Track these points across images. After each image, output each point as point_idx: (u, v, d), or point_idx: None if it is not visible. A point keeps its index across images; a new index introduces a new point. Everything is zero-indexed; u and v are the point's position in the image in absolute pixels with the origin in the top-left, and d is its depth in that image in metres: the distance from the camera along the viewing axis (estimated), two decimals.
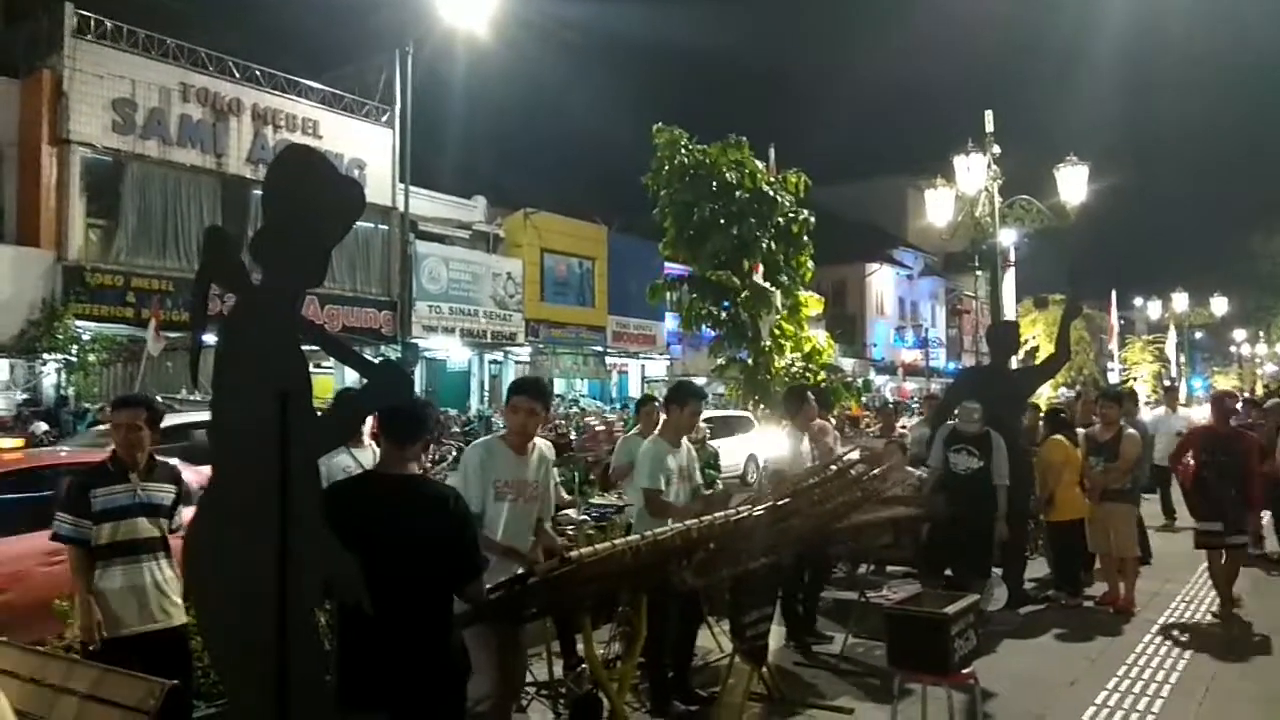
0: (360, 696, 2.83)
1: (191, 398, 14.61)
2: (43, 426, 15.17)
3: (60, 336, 17.07)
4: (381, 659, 2.81)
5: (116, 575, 4.03)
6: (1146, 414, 12.97)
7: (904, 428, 10.32)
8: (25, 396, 17.23)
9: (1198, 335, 48.98)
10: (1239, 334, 54.52)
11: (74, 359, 17.33)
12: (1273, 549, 9.77)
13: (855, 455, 6.49)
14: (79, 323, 17.44)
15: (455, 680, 3.14)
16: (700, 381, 14.36)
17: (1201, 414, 14.29)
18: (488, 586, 3.75)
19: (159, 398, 14.57)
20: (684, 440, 5.59)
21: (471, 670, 3.42)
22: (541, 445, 4.42)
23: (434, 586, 2.99)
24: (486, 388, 26.80)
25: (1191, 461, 7.82)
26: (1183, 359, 41.25)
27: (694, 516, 4.67)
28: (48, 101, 17.71)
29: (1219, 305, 39.11)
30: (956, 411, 7.51)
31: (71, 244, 17.93)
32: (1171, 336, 39.05)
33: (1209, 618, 7.34)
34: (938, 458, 7.30)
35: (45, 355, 17.15)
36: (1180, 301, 38.19)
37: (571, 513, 6.57)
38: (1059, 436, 8.09)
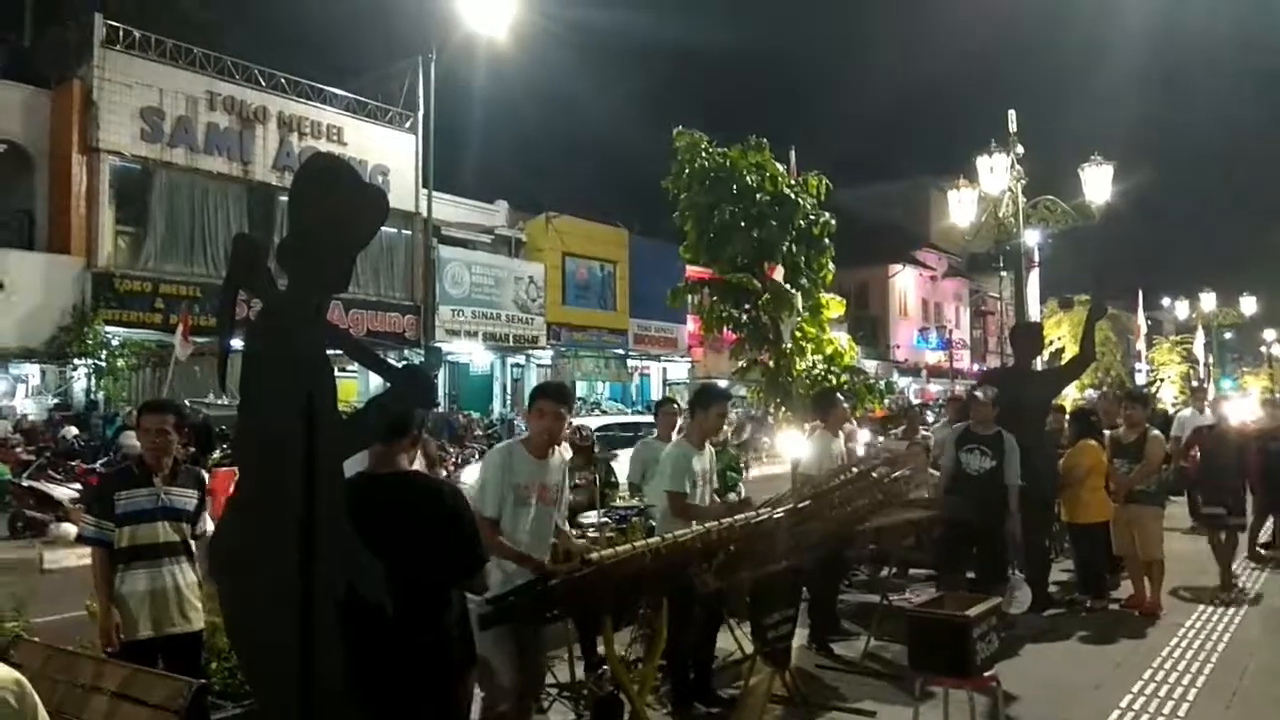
0: (360, 692, 2.85)
1: (219, 402, 14.82)
2: (73, 431, 15.42)
3: (90, 342, 17.32)
4: (379, 655, 2.82)
5: (138, 579, 4.06)
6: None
7: (912, 435, 10.23)
8: (56, 401, 17.50)
9: (1227, 335, 48.29)
10: (1269, 334, 53.67)
11: (103, 364, 17.59)
12: None
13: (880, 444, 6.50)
14: (108, 328, 17.70)
15: (453, 676, 3.16)
16: (722, 384, 14.34)
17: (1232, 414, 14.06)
18: (509, 590, 3.79)
19: (187, 402, 14.77)
20: (707, 444, 5.62)
21: (473, 666, 3.44)
22: (561, 452, 4.45)
23: (433, 582, 3.01)
24: (509, 391, 26.93)
25: (1197, 454, 8.97)
26: (1211, 359, 40.73)
27: (717, 520, 4.69)
28: (78, 111, 17.99)
29: (1248, 305, 38.58)
30: (975, 393, 7.52)
31: (101, 251, 18.20)
32: (1199, 337, 38.57)
33: (1236, 620, 7.27)
34: (949, 458, 7.27)
35: (75, 360, 17.41)
36: (1208, 301, 37.70)
37: (593, 515, 6.61)
38: (1091, 441, 8.02)
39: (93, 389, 17.76)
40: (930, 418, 13.83)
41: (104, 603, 4.03)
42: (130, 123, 18.58)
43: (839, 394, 8.27)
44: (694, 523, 4.76)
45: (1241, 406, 13.40)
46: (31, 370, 17.87)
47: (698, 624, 5.21)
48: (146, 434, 4.21)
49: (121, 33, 18.56)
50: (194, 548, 4.27)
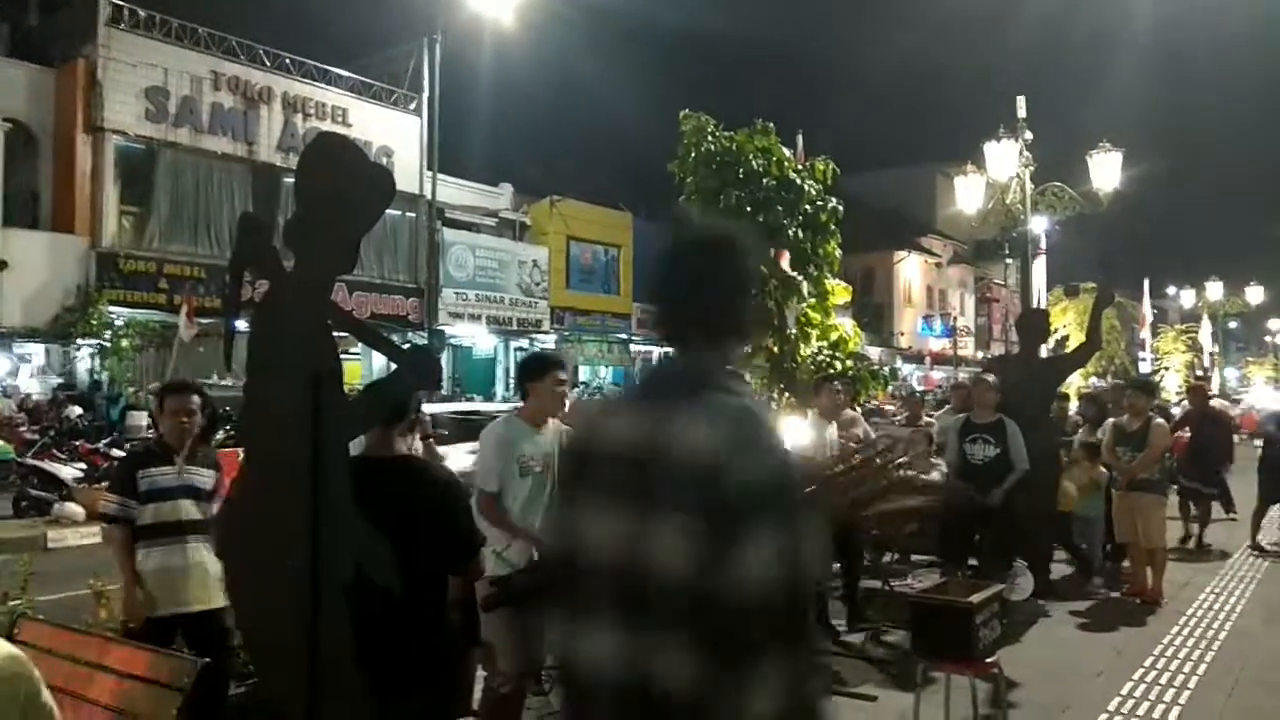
0: (361, 673, 2.85)
1: (224, 383, 14.84)
2: (77, 410, 15.46)
3: (94, 322, 17.34)
4: (376, 642, 2.80)
5: (159, 556, 4.09)
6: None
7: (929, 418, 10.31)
8: (60, 381, 17.53)
9: (1232, 325, 48.19)
10: (1274, 323, 53.62)
11: (108, 344, 17.61)
12: None
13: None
14: (112, 308, 17.71)
15: (453, 658, 3.16)
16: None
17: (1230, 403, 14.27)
18: (516, 570, 3.79)
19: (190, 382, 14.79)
20: None
21: (476, 648, 3.44)
22: (555, 423, 4.44)
23: (430, 567, 2.99)
24: (512, 375, 26.92)
25: (1186, 435, 10.34)
26: (1216, 349, 40.63)
27: None
28: (82, 90, 17.95)
29: (1254, 294, 38.47)
30: (982, 378, 7.54)
31: (105, 230, 18.19)
32: (1205, 326, 38.46)
33: (1238, 609, 7.28)
34: (953, 450, 7.25)
35: (80, 340, 17.44)
36: (1214, 290, 37.60)
37: None
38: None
39: (97, 369, 17.79)
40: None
41: (128, 580, 4.06)
42: (135, 102, 18.54)
43: (834, 380, 8.16)
44: None
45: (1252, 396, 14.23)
46: (36, 350, 17.89)
47: None
48: (172, 415, 4.22)
49: (126, 12, 18.49)
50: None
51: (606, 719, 1.50)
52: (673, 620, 1.40)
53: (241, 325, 2.99)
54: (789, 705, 1.42)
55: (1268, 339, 57.30)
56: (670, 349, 1.65)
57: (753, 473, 1.40)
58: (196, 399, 4.29)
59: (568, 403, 4.58)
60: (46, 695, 2.44)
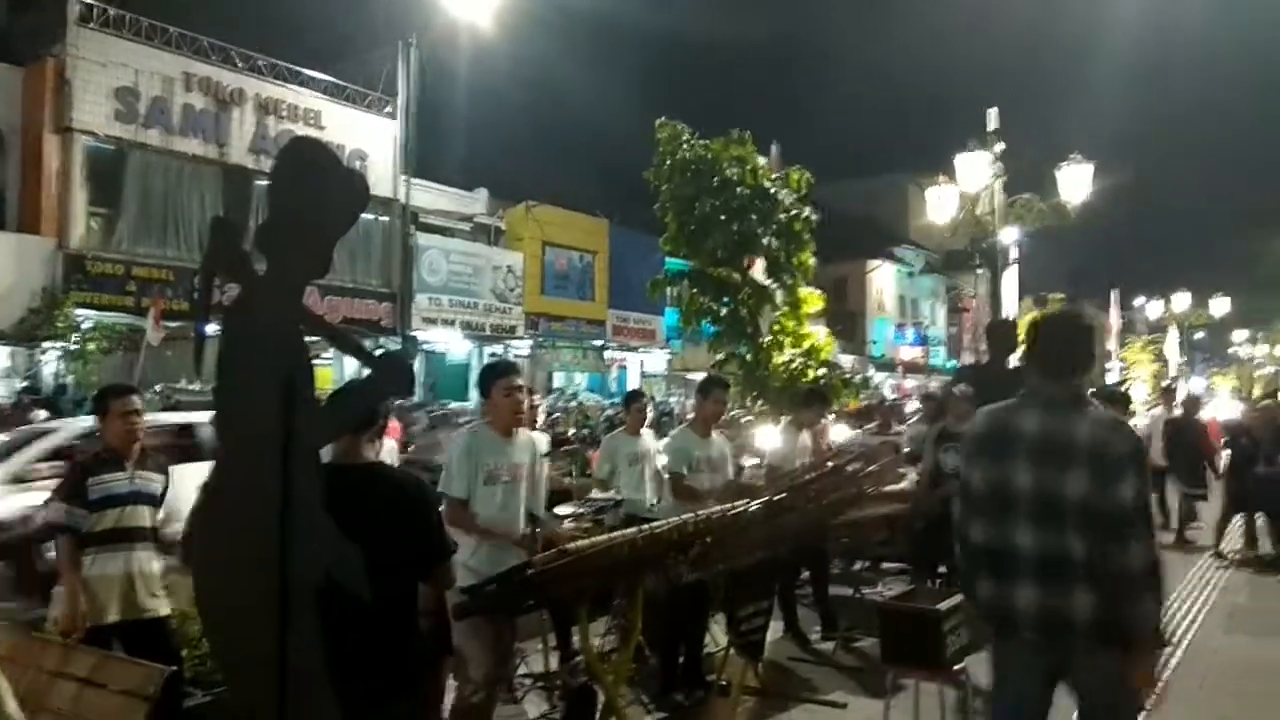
0: (331, 683, 2.82)
1: (192, 387, 14.66)
2: (42, 414, 15.20)
3: (60, 324, 17.06)
4: (348, 650, 2.77)
5: (105, 563, 4.03)
6: (1144, 416, 14.00)
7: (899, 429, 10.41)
8: (25, 384, 17.24)
9: (1198, 336, 48.94)
10: (1239, 335, 54.52)
11: (74, 347, 17.33)
12: (1266, 551, 9.83)
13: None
14: (79, 311, 17.44)
15: (424, 667, 3.15)
16: (697, 377, 14.35)
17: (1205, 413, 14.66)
18: (484, 580, 3.78)
19: (159, 386, 14.59)
20: (714, 433, 5.85)
21: (449, 656, 3.44)
22: (528, 432, 4.46)
23: (401, 574, 2.98)
24: None
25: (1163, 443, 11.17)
26: (1182, 359, 41.25)
27: (719, 503, 4.79)
28: (51, 89, 17.70)
29: (1219, 306, 39.10)
30: (953, 391, 7.58)
31: (73, 232, 17.93)
32: (1171, 337, 39.03)
33: (1200, 618, 7.39)
34: (929, 459, 7.29)
35: (45, 343, 17.15)
36: (1181, 302, 38.18)
37: (569, 507, 6.60)
38: None
39: (62, 372, 17.51)
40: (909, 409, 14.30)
41: (73, 588, 3.97)
42: (105, 102, 18.30)
43: (823, 400, 8.14)
44: (697, 504, 4.89)
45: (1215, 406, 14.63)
46: (0, 353, 17.59)
47: (684, 610, 5.27)
48: (121, 418, 4.16)
49: (96, 11, 18.27)
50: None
51: (1033, 581, 2.89)
52: (1078, 521, 2.83)
53: (212, 330, 2.96)
54: (1155, 557, 2.81)
55: (1231, 350, 58.25)
56: (1048, 379, 3.02)
57: (1123, 447, 2.85)
58: (138, 400, 4.25)
59: (530, 409, 4.60)
60: (12, 705, 2.41)
